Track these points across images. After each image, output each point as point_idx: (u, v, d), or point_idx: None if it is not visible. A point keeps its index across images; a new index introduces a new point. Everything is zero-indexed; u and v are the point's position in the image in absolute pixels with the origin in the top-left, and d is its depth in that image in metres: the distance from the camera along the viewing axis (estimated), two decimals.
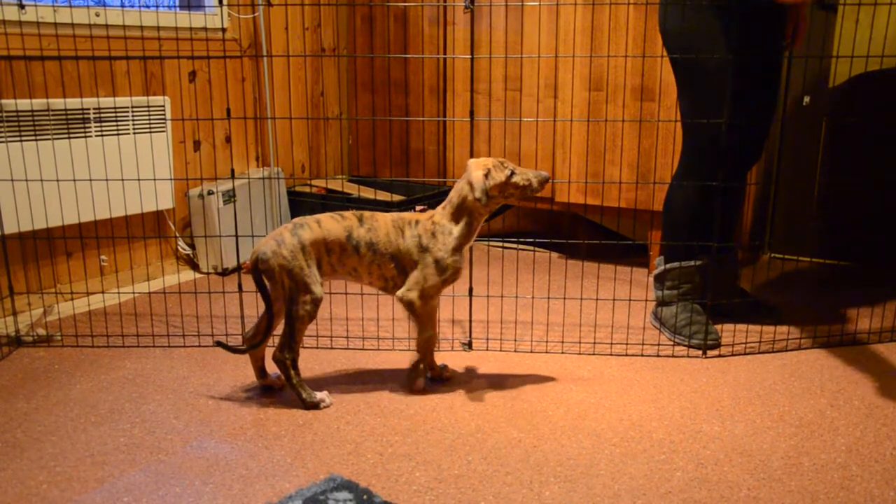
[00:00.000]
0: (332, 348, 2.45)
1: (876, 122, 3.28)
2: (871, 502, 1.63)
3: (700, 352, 2.43)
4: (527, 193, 2.07)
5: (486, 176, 2.00)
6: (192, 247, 3.28)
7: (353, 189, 3.59)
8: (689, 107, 2.49)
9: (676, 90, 2.54)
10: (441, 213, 2.07)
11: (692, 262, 2.54)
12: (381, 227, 2.05)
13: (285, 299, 1.99)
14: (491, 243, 3.65)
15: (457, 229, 2.04)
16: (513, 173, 2.03)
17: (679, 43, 2.43)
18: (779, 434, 1.92)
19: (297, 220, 2.03)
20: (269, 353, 2.13)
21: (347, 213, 2.07)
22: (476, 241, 2.76)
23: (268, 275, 1.97)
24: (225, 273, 3.21)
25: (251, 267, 1.98)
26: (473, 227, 2.06)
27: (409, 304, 2.04)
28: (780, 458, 1.80)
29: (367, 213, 2.08)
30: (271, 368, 2.15)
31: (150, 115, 2.92)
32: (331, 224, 2.02)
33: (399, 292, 2.04)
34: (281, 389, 2.15)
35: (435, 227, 2.04)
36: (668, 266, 2.58)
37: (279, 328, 2.05)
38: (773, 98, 2.50)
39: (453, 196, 2.06)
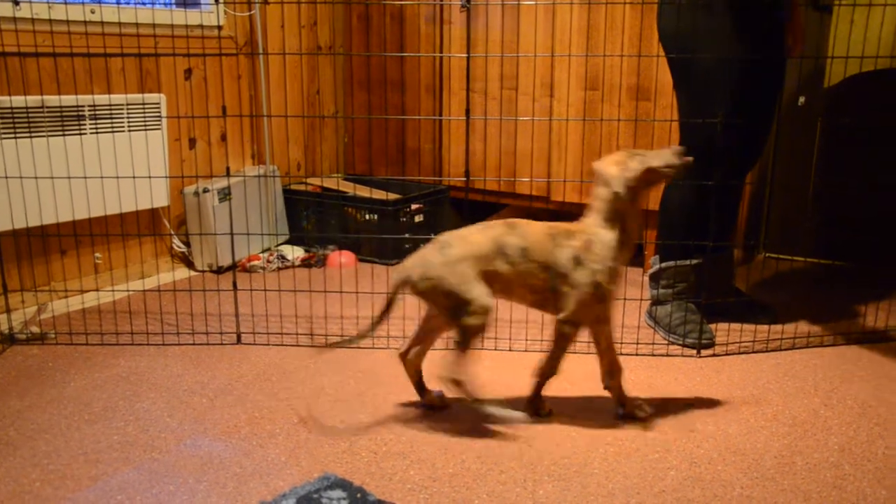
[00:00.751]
0: (326, 347, 2.45)
1: (870, 123, 3.29)
2: (864, 501, 1.63)
3: (694, 351, 2.44)
4: (671, 174, 1.93)
5: (622, 168, 1.89)
6: (188, 244, 3.28)
7: (348, 187, 3.59)
8: (686, 106, 2.49)
9: (674, 89, 2.54)
10: (591, 222, 1.90)
11: (687, 262, 2.54)
12: (533, 233, 1.88)
13: (446, 318, 1.85)
14: None
15: (611, 236, 1.87)
16: (646, 158, 1.91)
17: (675, 42, 2.43)
18: (772, 433, 1.92)
19: (441, 238, 1.88)
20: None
21: (495, 222, 1.92)
22: None
23: (421, 297, 1.86)
24: (220, 271, 3.21)
25: (393, 288, 1.87)
26: (627, 231, 1.89)
27: (565, 328, 1.92)
28: (773, 457, 1.81)
29: (519, 221, 1.93)
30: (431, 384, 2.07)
31: (144, 113, 2.91)
32: (478, 237, 1.86)
33: (562, 316, 1.91)
34: (443, 409, 2.04)
35: (590, 236, 1.87)
36: (663, 265, 2.59)
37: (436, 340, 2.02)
38: (774, 98, 2.51)
39: (595, 203, 1.91)
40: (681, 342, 2.48)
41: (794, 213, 3.53)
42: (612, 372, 1.99)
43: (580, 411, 2.04)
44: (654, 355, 2.42)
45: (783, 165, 3.50)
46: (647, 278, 2.83)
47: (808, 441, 1.89)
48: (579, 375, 2.26)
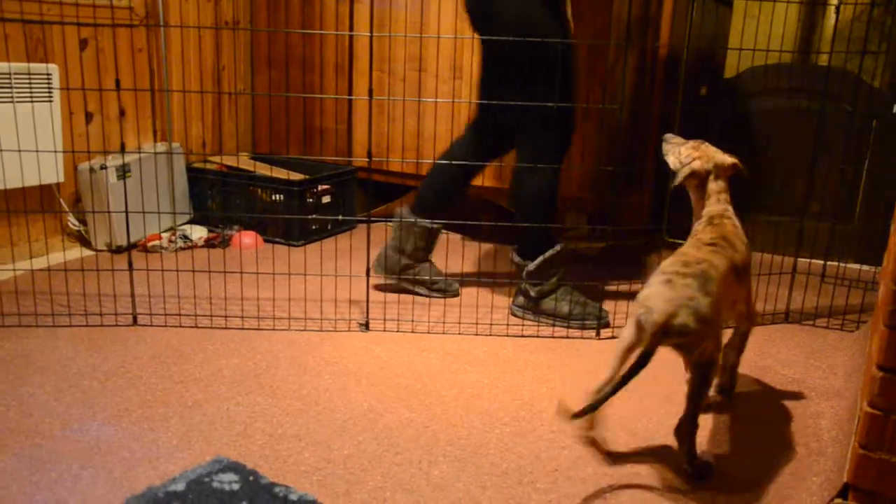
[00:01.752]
0: (226, 328, 2.40)
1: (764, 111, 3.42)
2: (743, 474, 1.70)
3: (594, 332, 2.49)
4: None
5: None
6: (84, 223, 3.15)
7: (251, 166, 3.52)
8: (529, 93, 2.46)
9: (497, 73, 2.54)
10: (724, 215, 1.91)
11: (556, 249, 2.56)
12: (734, 237, 1.84)
13: (695, 364, 1.63)
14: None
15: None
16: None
17: (517, 30, 2.41)
18: (665, 413, 1.99)
19: (693, 271, 1.63)
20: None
21: (715, 238, 1.80)
22: (377, 221, 2.75)
23: (685, 347, 1.61)
24: (119, 250, 3.10)
25: (653, 339, 1.55)
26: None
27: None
28: (663, 437, 1.87)
29: (725, 227, 1.86)
30: None
31: (31, 84, 2.77)
32: (719, 260, 1.71)
33: (751, 319, 1.90)
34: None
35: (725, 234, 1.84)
36: (539, 261, 2.55)
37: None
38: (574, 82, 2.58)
39: (720, 196, 1.94)
40: (582, 326, 2.53)
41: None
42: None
43: (477, 392, 2.05)
44: (554, 337, 2.46)
45: None
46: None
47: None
48: (476, 357, 2.28)
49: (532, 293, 2.57)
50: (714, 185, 1.94)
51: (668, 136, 2.06)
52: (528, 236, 2.55)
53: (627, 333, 1.69)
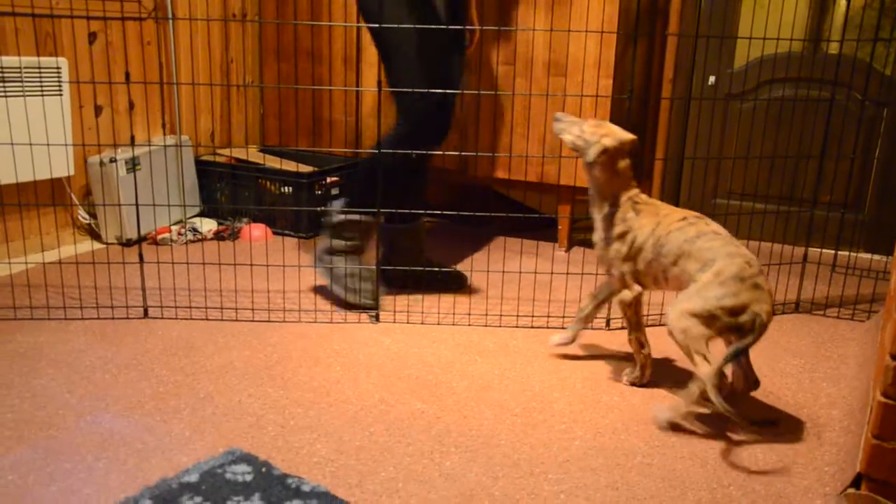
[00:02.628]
0: (237, 321, 2.41)
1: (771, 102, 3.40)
2: (755, 465, 1.70)
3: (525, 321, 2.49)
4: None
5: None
6: (94, 216, 3.16)
7: (260, 159, 3.52)
8: (394, 77, 2.50)
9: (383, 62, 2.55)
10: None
11: (356, 217, 2.56)
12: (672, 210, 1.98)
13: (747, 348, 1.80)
14: None
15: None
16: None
17: (377, 14, 2.43)
18: (675, 402, 1.98)
19: (739, 270, 1.77)
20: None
21: (686, 214, 1.93)
22: (386, 212, 2.74)
23: (760, 335, 1.77)
24: (129, 243, 3.11)
25: (756, 334, 1.75)
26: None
27: None
28: (673, 426, 1.86)
29: (658, 205, 1.98)
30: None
31: (41, 77, 2.78)
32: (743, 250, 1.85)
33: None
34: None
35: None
36: (342, 217, 2.58)
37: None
38: (458, 73, 2.57)
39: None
40: (357, 301, 2.51)
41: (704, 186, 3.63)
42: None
43: (488, 383, 2.06)
44: (564, 328, 2.46)
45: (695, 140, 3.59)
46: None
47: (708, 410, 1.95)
48: (486, 348, 2.28)
49: (327, 244, 2.60)
50: (623, 163, 1.97)
51: (560, 114, 2.05)
52: (356, 194, 2.58)
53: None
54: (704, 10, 3.48)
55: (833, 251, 3.23)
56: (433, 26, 2.39)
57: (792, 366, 2.24)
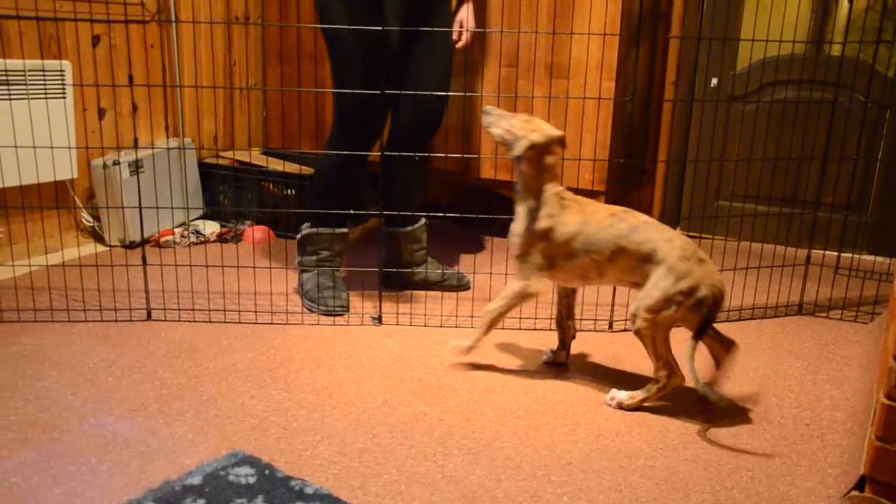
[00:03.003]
0: (240, 323, 2.41)
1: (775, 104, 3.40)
2: (758, 467, 1.70)
3: (607, 326, 2.49)
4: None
5: None
6: (97, 219, 3.17)
7: (263, 161, 3.52)
8: (331, 76, 2.51)
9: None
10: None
11: (314, 230, 2.58)
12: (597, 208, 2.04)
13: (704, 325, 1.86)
14: None
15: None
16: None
17: (320, 12, 2.44)
18: (677, 405, 1.98)
19: (682, 251, 1.85)
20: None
21: (647, 219, 1.96)
22: (389, 214, 2.75)
23: (715, 311, 1.85)
24: (132, 246, 3.12)
25: (715, 307, 1.84)
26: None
27: None
28: (677, 428, 1.86)
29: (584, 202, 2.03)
30: None
31: (45, 80, 2.78)
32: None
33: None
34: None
35: None
36: (304, 232, 2.60)
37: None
38: (388, 70, 2.51)
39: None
40: (317, 310, 2.52)
41: (708, 192, 3.63)
42: None
43: (491, 386, 2.06)
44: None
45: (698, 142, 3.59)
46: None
47: (711, 412, 1.95)
48: (489, 350, 2.28)
49: (297, 261, 2.64)
50: (550, 159, 1.99)
51: (488, 107, 2.05)
52: (309, 205, 2.60)
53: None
54: (707, 13, 3.48)
55: (836, 253, 3.23)
56: (362, 27, 2.36)
57: (795, 368, 2.24)
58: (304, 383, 2.02)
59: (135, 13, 3.21)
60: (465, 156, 3.33)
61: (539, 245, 1.98)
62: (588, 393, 2.03)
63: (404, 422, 1.84)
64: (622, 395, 1.95)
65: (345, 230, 2.61)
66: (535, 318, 2.52)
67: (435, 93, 2.50)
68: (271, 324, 2.42)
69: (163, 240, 3.17)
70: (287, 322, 2.43)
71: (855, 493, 1.50)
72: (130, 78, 2.34)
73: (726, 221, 3.58)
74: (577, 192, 3.17)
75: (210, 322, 2.41)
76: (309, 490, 1.54)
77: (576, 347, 2.32)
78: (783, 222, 3.44)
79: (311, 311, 2.51)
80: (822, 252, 3.24)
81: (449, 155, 3.34)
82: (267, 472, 1.60)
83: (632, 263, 1.90)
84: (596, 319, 2.54)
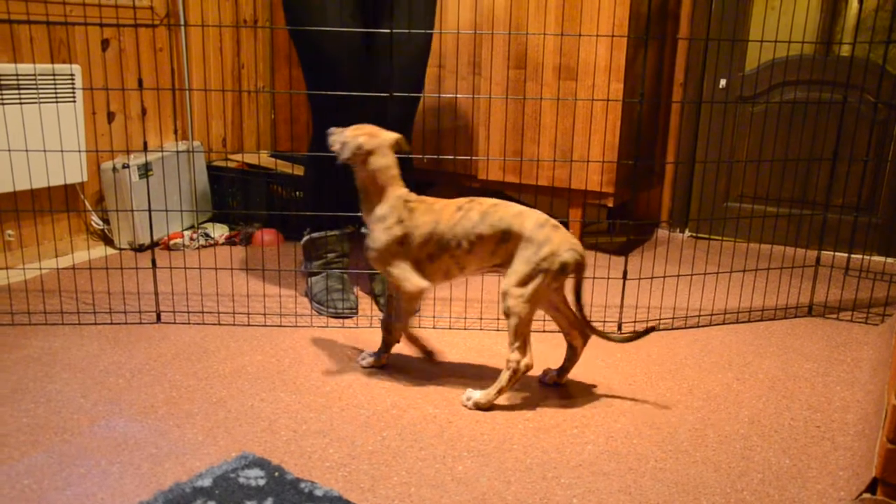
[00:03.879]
0: (249, 325, 2.42)
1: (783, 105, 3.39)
2: (769, 470, 1.69)
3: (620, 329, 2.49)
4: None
5: None
6: (106, 222, 3.18)
7: (271, 164, 3.53)
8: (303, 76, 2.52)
9: None
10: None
11: (311, 234, 2.59)
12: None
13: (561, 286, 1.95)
14: None
15: None
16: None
17: (286, 10, 2.44)
18: (687, 407, 1.98)
19: (535, 221, 1.90)
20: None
21: (494, 201, 1.99)
22: None
23: (578, 273, 1.92)
24: (141, 249, 3.13)
25: (580, 269, 1.91)
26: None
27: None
28: (687, 430, 1.86)
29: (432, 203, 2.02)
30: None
31: (56, 84, 2.80)
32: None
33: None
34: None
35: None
36: (306, 238, 2.62)
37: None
38: (366, 77, 2.48)
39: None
40: (326, 312, 2.51)
41: (718, 194, 3.62)
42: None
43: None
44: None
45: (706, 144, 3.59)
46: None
47: (721, 414, 1.94)
48: (498, 352, 2.28)
49: (304, 268, 2.66)
50: (385, 161, 1.98)
51: (332, 129, 2.04)
52: (306, 209, 2.60)
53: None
54: (715, 14, 3.48)
55: (846, 254, 3.22)
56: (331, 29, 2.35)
57: (805, 369, 2.23)
58: (313, 386, 2.03)
59: (144, 17, 3.23)
60: (472, 157, 3.34)
61: (399, 253, 1.96)
62: (597, 395, 2.03)
63: (414, 424, 1.84)
64: (477, 395, 1.95)
65: (349, 230, 2.62)
66: (544, 320, 2.52)
67: (404, 94, 2.47)
68: (280, 326, 2.42)
69: (172, 242, 3.18)
70: (296, 324, 2.44)
71: (867, 495, 1.49)
72: (140, 81, 2.35)
73: (735, 223, 3.57)
74: (587, 194, 3.18)
75: (219, 325, 2.42)
76: (319, 492, 1.54)
77: (585, 349, 2.31)
78: (792, 224, 3.43)
79: (321, 314, 2.52)
80: (831, 253, 3.22)
81: (457, 157, 3.34)
82: (277, 474, 1.60)
83: (491, 247, 1.92)
84: (605, 321, 2.53)
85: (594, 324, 2.48)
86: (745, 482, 1.65)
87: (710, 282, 2.95)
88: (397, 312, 2.07)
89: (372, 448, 1.73)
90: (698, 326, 2.53)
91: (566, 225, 3.32)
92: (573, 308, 2.00)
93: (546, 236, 1.87)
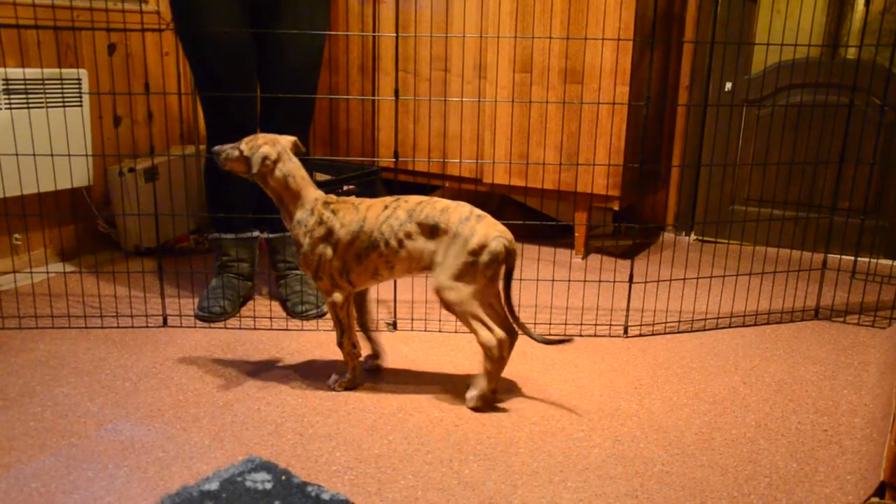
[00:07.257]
0: (255, 329, 2.42)
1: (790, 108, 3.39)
2: (776, 473, 1.69)
3: (621, 331, 2.48)
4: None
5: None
6: (113, 225, 3.19)
7: None
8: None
9: None
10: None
11: (228, 235, 2.58)
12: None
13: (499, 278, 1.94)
14: None
15: None
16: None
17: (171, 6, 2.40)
18: (693, 410, 1.97)
19: (460, 214, 1.88)
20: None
21: (419, 198, 1.97)
22: None
23: (509, 262, 1.91)
24: (148, 252, 3.14)
25: (511, 256, 1.89)
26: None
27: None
28: (693, 434, 1.86)
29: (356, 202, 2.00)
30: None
31: (63, 88, 2.81)
32: None
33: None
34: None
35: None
36: (210, 237, 2.62)
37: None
38: (251, 80, 2.45)
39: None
40: (201, 315, 2.48)
41: (723, 197, 3.61)
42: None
43: (505, 391, 2.05)
44: (581, 336, 2.45)
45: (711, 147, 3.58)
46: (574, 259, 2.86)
47: (727, 418, 1.94)
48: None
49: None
50: (291, 165, 1.96)
51: (215, 148, 2.00)
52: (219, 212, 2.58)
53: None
54: (721, 17, 3.47)
55: (853, 257, 3.21)
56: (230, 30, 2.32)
57: (812, 373, 2.22)
58: (319, 389, 2.03)
59: (150, 21, 3.24)
60: (478, 161, 3.34)
61: (325, 253, 1.94)
62: (603, 399, 2.03)
63: (420, 428, 1.84)
64: (474, 392, 1.95)
65: (247, 235, 2.59)
66: (550, 324, 2.52)
67: (299, 96, 2.45)
68: (286, 330, 2.42)
69: (178, 246, 3.19)
70: (302, 328, 2.44)
71: (874, 499, 1.49)
72: (146, 86, 2.36)
73: (741, 226, 3.56)
74: (593, 197, 3.18)
75: (226, 328, 2.42)
76: (325, 496, 1.54)
77: (591, 353, 2.31)
78: (799, 227, 3.43)
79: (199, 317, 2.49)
80: (838, 257, 3.21)
81: (463, 161, 3.34)
82: (283, 477, 1.60)
83: (420, 244, 1.90)
84: (611, 325, 2.53)
85: (600, 327, 2.49)
86: (752, 486, 1.65)
87: (717, 285, 2.95)
88: (340, 326, 2.04)
89: (378, 452, 1.73)
90: (704, 330, 2.52)
91: (572, 229, 3.33)
92: (504, 305, 1.98)
93: (471, 229, 1.85)
